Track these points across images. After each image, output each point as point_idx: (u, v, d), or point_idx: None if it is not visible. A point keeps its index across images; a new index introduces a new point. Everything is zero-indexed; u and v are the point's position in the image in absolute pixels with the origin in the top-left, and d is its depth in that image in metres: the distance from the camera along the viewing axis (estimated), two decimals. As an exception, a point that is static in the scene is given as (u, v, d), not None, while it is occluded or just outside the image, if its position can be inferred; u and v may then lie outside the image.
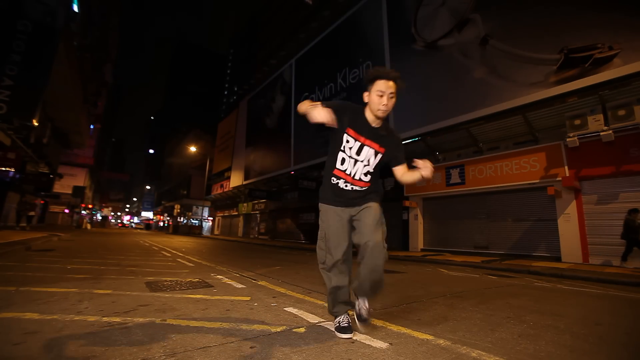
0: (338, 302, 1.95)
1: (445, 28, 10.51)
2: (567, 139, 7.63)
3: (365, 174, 1.92)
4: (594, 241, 7.34)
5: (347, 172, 1.91)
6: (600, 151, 7.38)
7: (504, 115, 8.84)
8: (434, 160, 11.35)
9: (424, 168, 1.74)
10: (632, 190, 7.04)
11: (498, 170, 9.25)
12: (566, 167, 7.87)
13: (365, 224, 1.86)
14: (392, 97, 1.83)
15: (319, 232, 1.99)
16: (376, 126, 1.90)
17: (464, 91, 9.70)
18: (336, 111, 1.85)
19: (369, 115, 1.90)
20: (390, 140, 1.93)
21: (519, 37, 8.48)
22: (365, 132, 1.88)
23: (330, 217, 1.94)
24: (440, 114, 10.30)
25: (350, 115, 1.88)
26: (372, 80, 1.85)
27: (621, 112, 6.97)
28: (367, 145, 1.88)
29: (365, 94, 1.90)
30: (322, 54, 17.45)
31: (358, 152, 1.88)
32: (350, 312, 1.98)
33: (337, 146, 1.92)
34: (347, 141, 1.88)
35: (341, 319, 1.92)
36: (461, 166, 10.26)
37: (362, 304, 1.86)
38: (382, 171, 2.02)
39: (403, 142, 2.10)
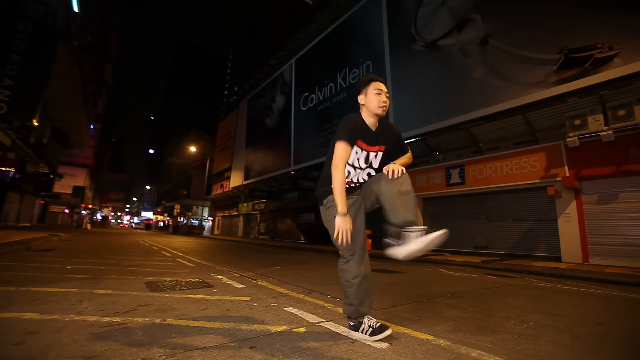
0: (367, 296, 1.82)
1: (445, 28, 10.51)
2: (567, 139, 7.63)
3: (368, 175, 1.96)
4: (594, 241, 7.33)
5: (352, 179, 1.94)
6: (600, 151, 7.38)
7: (504, 115, 8.83)
8: (434, 161, 11.36)
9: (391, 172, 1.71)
10: (632, 190, 7.03)
11: (498, 171, 9.25)
12: (566, 167, 7.87)
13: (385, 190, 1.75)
14: (388, 96, 1.89)
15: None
16: (374, 129, 1.92)
17: (464, 91, 9.70)
18: (351, 137, 1.83)
19: (367, 119, 1.91)
20: (388, 136, 1.97)
21: (519, 37, 8.48)
22: (370, 140, 1.90)
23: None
24: (440, 114, 10.30)
25: (358, 129, 1.86)
26: (367, 82, 1.91)
27: (621, 112, 6.96)
28: (373, 152, 1.92)
29: (361, 97, 1.92)
30: (322, 54, 17.44)
31: (366, 161, 1.91)
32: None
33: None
34: (356, 152, 1.88)
35: (370, 321, 1.81)
36: (461, 166, 10.26)
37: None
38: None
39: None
